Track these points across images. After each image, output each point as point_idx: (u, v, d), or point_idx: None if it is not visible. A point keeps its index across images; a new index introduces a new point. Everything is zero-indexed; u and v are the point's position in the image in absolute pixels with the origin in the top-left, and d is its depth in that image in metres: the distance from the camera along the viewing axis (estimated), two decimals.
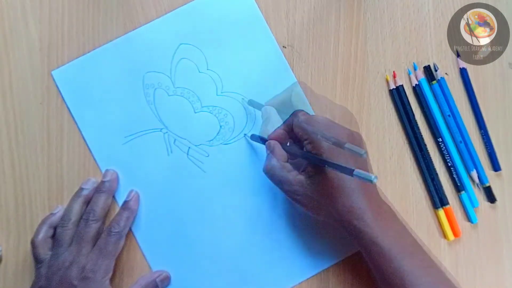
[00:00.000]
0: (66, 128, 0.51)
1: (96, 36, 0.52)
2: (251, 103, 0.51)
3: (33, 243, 0.48)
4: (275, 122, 0.47)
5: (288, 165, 0.46)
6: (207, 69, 0.52)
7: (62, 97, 0.51)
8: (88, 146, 0.51)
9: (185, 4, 0.52)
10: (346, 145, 0.39)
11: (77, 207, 0.49)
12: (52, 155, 0.51)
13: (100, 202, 0.49)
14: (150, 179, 0.51)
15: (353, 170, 0.38)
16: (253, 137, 0.50)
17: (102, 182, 0.50)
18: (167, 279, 0.50)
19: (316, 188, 0.44)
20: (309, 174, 0.44)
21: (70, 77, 0.51)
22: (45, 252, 0.48)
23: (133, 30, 0.52)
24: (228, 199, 0.51)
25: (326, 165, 0.42)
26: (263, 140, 0.48)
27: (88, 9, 0.52)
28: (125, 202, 0.50)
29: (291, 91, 0.48)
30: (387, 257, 0.42)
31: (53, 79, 0.51)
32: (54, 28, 0.52)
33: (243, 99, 0.51)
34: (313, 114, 0.48)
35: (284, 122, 0.48)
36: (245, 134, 0.51)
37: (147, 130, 0.51)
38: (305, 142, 0.44)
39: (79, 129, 0.51)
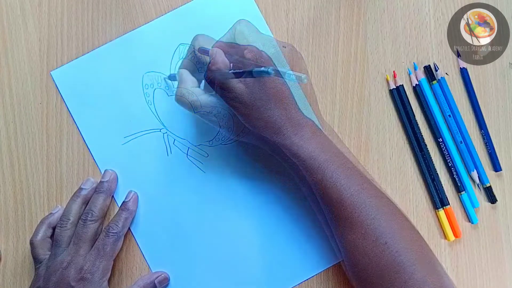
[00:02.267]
0: (65, 128, 0.51)
1: (95, 36, 0.52)
2: (171, 77, 0.50)
3: (32, 243, 0.48)
4: (190, 81, 0.46)
5: (197, 90, 0.45)
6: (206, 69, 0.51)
7: (62, 97, 0.51)
8: (87, 146, 0.51)
9: (185, 4, 0.52)
10: (287, 73, 0.38)
11: (75, 207, 0.49)
12: (51, 155, 0.51)
13: (99, 203, 0.49)
14: (149, 179, 0.51)
15: (285, 72, 0.38)
16: (170, 76, 0.50)
17: (101, 182, 0.50)
18: (165, 280, 0.50)
19: (254, 97, 0.43)
20: (248, 83, 0.43)
21: (69, 77, 0.51)
22: (44, 252, 0.48)
23: (133, 30, 0.52)
24: (227, 199, 0.51)
25: (264, 75, 0.40)
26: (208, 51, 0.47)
27: (87, 10, 0.52)
28: (124, 203, 0.50)
29: (234, 29, 0.45)
30: (310, 168, 0.43)
31: (53, 80, 0.51)
32: (53, 29, 0.52)
33: (164, 78, 0.51)
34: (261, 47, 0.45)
35: (227, 31, 0.46)
36: (164, 77, 0.51)
37: (146, 130, 0.51)
38: (245, 51, 0.43)
39: (78, 129, 0.51)
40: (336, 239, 0.45)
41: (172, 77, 0.51)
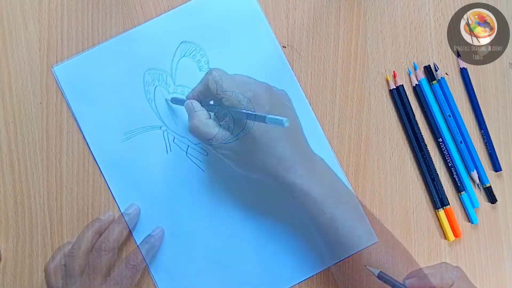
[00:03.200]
0: (65, 128, 0.51)
1: (95, 35, 0.52)
2: (174, 100, 0.50)
3: (46, 270, 0.47)
4: (202, 113, 0.46)
5: (211, 122, 0.45)
6: (208, 68, 0.52)
7: (63, 92, 0.51)
8: (87, 143, 0.51)
9: (184, 3, 0.52)
10: (267, 117, 0.38)
11: (88, 236, 0.48)
12: (51, 155, 0.51)
13: (115, 233, 0.48)
14: (148, 177, 0.51)
15: (265, 116, 0.38)
16: (173, 100, 0.50)
17: (123, 214, 0.49)
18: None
19: (241, 143, 0.43)
20: (230, 128, 0.43)
21: (71, 73, 0.51)
22: (57, 280, 0.47)
23: (135, 27, 0.52)
24: (226, 198, 0.51)
25: (244, 117, 0.41)
26: (183, 101, 0.48)
27: (87, 9, 0.52)
28: (149, 236, 0.49)
29: (207, 79, 0.45)
30: (320, 208, 0.43)
31: (54, 75, 0.51)
32: (53, 28, 0.52)
33: (166, 99, 0.51)
34: (238, 96, 0.45)
35: (200, 82, 0.46)
36: (166, 99, 0.51)
37: (146, 127, 0.51)
38: (223, 99, 0.43)
39: (78, 126, 0.51)
40: (338, 281, 0.46)
41: (174, 100, 0.50)
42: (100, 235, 0.49)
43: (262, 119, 0.39)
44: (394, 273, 0.42)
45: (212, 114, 0.47)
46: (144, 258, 0.48)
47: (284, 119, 0.37)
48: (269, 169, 0.43)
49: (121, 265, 0.47)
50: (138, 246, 0.49)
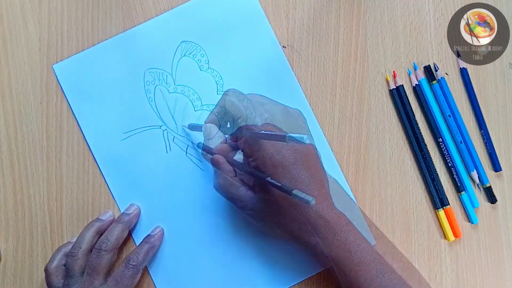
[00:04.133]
0: (65, 128, 0.51)
1: (95, 35, 0.52)
2: (192, 127, 0.50)
3: (46, 270, 0.47)
4: (217, 138, 0.46)
5: (237, 182, 0.44)
6: (208, 68, 0.52)
7: (63, 91, 0.51)
8: (86, 142, 0.51)
9: (185, 2, 0.52)
10: (294, 192, 0.37)
11: (89, 236, 0.48)
12: (51, 155, 0.51)
13: (116, 233, 0.48)
14: (147, 176, 0.51)
15: (292, 190, 0.37)
16: (191, 126, 0.50)
17: (124, 214, 0.49)
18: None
19: (265, 206, 0.44)
20: (257, 192, 0.44)
21: (71, 71, 0.51)
22: (58, 281, 0.47)
23: (136, 26, 0.52)
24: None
25: (263, 138, 0.41)
26: (200, 127, 0.48)
27: (87, 9, 0.52)
28: (148, 236, 0.49)
29: (223, 101, 0.45)
30: (344, 270, 0.41)
31: (54, 73, 0.51)
32: (53, 28, 0.52)
33: (183, 126, 0.51)
34: (254, 118, 0.44)
35: (230, 135, 0.46)
36: (182, 126, 0.51)
37: (146, 126, 0.51)
38: (250, 159, 0.43)
39: (78, 125, 0.51)
40: None
41: (192, 127, 0.50)
42: (100, 235, 0.49)
43: (282, 138, 0.38)
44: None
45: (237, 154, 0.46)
46: (144, 258, 0.48)
47: (305, 136, 0.36)
48: (293, 234, 0.44)
49: (122, 265, 0.47)
50: (137, 246, 0.49)
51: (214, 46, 0.52)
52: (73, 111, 0.51)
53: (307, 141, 0.36)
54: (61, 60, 0.52)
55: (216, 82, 0.51)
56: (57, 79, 0.51)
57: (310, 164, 0.42)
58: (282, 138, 0.38)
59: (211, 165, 0.46)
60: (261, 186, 0.43)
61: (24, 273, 0.51)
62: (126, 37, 0.52)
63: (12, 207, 0.51)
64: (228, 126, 0.46)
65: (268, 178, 0.40)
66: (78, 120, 0.51)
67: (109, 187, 0.51)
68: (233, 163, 0.45)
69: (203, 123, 0.47)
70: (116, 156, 0.51)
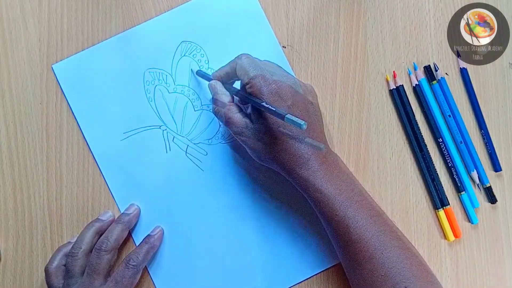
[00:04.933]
0: (65, 128, 0.51)
1: (95, 36, 0.52)
2: (199, 73, 0.51)
3: (46, 271, 0.47)
4: (223, 96, 0.46)
5: (234, 107, 0.46)
6: (208, 67, 0.52)
7: (62, 91, 0.51)
8: (86, 142, 0.51)
9: (185, 2, 0.52)
10: (287, 116, 0.38)
11: (88, 236, 0.48)
12: (51, 155, 0.51)
13: (116, 233, 0.48)
14: (147, 176, 0.51)
15: (284, 115, 0.38)
16: (198, 72, 0.50)
17: (123, 214, 0.49)
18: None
19: (259, 133, 0.44)
20: (253, 119, 0.44)
21: (71, 71, 0.51)
22: (58, 281, 0.47)
23: (135, 26, 0.52)
24: (225, 198, 0.51)
25: (263, 109, 0.42)
26: (207, 78, 0.49)
27: (87, 9, 0.52)
28: (148, 236, 0.49)
29: (235, 63, 0.46)
30: (332, 206, 0.42)
31: (54, 73, 0.51)
32: (53, 28, 0.52)
33: (191, 69, 0.51)
34: (261, 87, 0.44)
35: (228, 64, 0.47)
36: (191, 69, 0.51)
37: (146, 126, 0.51)
38: (247, 86, 0.43)
39: (78, 125, 0.51)
40: (350, 278, 0.45)
41: (200, 73, 0.51)
42: (100, 236, 0.49)
43: (281, 117, 0.39)
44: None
45: (236, 98, 0.47)
46: (144, 258, 0.48)
47: (303, 122, 0.37)
48: (284, 164, 0.44)
49: (122, 265, 0.47)
50: (137, 246, 0.49)
51: (214, 46, 0.52)
52: (73, 111, 0.51)
53: (304, 127, 0.37)
54: (61, 60, 0.52)
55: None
56: (57, 79, 0.51)
57: (308, 108, 0.44)
58: (281, 116, 0.39)
59: (210, 91, 0.47)
60: (257, 113, 0.44)
61: (24, 273, 0.51)
62: (126, 37, 0.52)
63: (12, 207, 0.51)
64: (234, 86, 0.48)
65: (264, 103, 0.41)
66: (78, 120, 0.51)
67: (109, 187, 0.51)
68: (230, 89, 0.46)
69: (211, 75, 0.49)
70: (116, 156, 0.51)
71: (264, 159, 0.45)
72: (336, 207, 0.42)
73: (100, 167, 0.51)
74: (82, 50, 0.52)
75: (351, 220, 0.42)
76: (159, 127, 0.51)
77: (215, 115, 0.47)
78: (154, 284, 0.50)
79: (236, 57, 0.46)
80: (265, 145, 0.44)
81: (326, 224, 0.44)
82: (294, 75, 0.52)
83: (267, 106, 0.41)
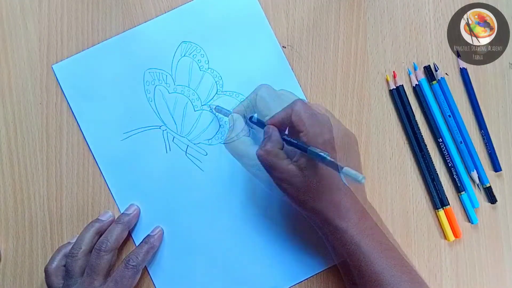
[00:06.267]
0: (65, 128, 0.51)
1: (95, 36, 0.52)
2: (218, 109, 0.50)
3: (46, 271, 0.47)
4: (240, 130, 0.46)
5: (282, 152, 0.44)
6: (208, 68, 0.52)
7: (62, 91, 0.51)
8: (86, 142, 0.51)
9: (186, 3, 0.52)
10: (344, 170, 0.37)
11: (88, 237, 0.48)
12: (51, 155, 0.51)
13: (115, 233, 0.48)
14: (147, 176, 0.51)
15: (343, 167, 0.37)
16: (218, 108, 0.50)
17: (123, 214, 0.49)
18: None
19: (305, 181, 0.43)
20: (301, 166, 0.43)
21: (71, 71, 0.51)
22: (58, 281, 0.47)
23: (136, 26, 0.52)
24: (226, 199, 0.51)
25: (319, 160, 0.41)
26: (226, 113, 0.48)
27: (87, 10, 0.52)
28: (148, 236, 0.49)
29: (255, 95, 0.46)
30: (367, 259, 0.42)
31: (54, 73, 0.51)
32: (53, 28, 0.52)
33: (210, 106, 0.51)
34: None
35: (283, 109, 0.45)
36: (209, 105, 0.51)
37: (146, 127, 0.51)
38: (301, 134, 0.43)
39: (78, 125, 0.51)
40: None
41: (218, 109, 0.50)
42: (100, 236, 0.49)
43: (336, 167, 0.38)
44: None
45: (251, 131, 0.47)
46: (144, 258, 0.47)
47: (361, 176, 0.36)
48: (325, 213, 0.43)
49: (121, 265, 0.47)
50: (137, 246, 0.49)
51: (214, 46, 0.52)
52: (73, 111, 0.51)
53: (363, 181, 0.36)
54: (61, 60, 0.52)
55: (215, 82, 0.51)
56: (57, 79, 0.51)
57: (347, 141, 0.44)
58: (335, 166, 0.38)
59: (264, 133, 0.45)
60: (309, 163, 0.42)
61: (24, 273, 0.51)
62: (126, 37, 0.52)
63: (12, 207, 0.51)
64: (253, 120, 0.46)
65: (322, 153, 0.39)
66: (78, 120, 0.51)
67: (109, 187, 0.51)
68: (283, 137, 0.44)
69: (231, 110, 0.48)
70: (116, 156, 0.51)
71: (306, 208, 0.44)
72: (372, 261, 0.42)
73: (100, 167, 0.51)
74: (82, 50, 0.52)
75: (384, 273, 0.42)
76: (159, 127, 0.51)
77: (258, 159, 0.44)
78: (154, 284, 0.50)
79: (256, 88, 0.46)
80: (309, 193, 0.43)
81: (357, 272, 0.44)
82: (294, 75, 0.52)
83: (316, 152, 0.39)
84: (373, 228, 0.44)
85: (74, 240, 0.49)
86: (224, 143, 0.46)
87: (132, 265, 0.46)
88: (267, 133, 0.44)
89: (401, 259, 0.44)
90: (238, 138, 0.45)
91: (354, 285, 0.44)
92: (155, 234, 0.49)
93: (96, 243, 0.48)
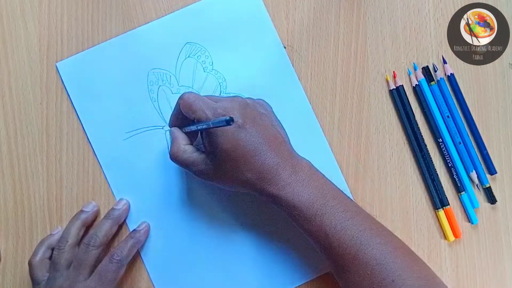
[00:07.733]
0: (65, 128, 0.51)
1: (95, 36, 0.52)
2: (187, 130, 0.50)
3: (30, 264, 0.48)
4: (181, 139, 0.46)
5: (189, 147, 0.45)
6: (212, 69, 0.51)
7: (66, 89, 0.51)
8: (88, 140, 0.51)
9: (185, 6, 0.52)
10: (212, 122, 0.38)
11: (74, 230, 0.48)
12: (51, 155, 0.51)
13: (104, 229, 0.48)
14: (148, 176, 0.51)
15: (209, 123, 0.38)
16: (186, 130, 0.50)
17: (113, 209, 0.49)
18: None
19: (219, 161, 0.43)
20: (208, 149, 0.43)
21: (75, 69, 0.51)
22: (42, 274, 0.47)
23: (140, 26, 0.52)
24: (226, 199, 0.51)
25: (215, 129, 0.41)
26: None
27: (87, 10, 0.52)
28: (134, 231, 0.49)
29: (178, 104, 0.45)
30: (307, 217, 0.42)
31: (57, 71, 0.51)
32: (53, 28, 0.52)
33: (164, 127, 0.51)
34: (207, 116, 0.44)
35: (174, 108, 0.46)
36: (163, 127, 0.51)
37: (148, 127, 0.51)
38: (194, 117, 0.43)
39: (80, 124, 0.51)
40: (339, 282, 0.44)
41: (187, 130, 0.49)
42: (86, 227, 0.49)
43: (208, 126, 0.39)
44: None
45: (198, 137, 0.47)
46: (128, 253, 0.48)
47: (227, 117, 0.36)
48: (251, 184, 0.43)
49: (106, 259, 0.47)
50: (122, 241, 0.49)
51: (219, 48, 0.52)
52: (76, 109, 0.51)
53: (231, 122, 0.36)
54: (65, 58, 0.52)
55: (219, 83, 0.51)
56: (60, 77, 0.51)
57: (262, 118, 0.44)
58: (208, 125, 0.39)
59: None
60: (213, 140, 0.42)
61: (24, 273, 0.51)
62: (131, 36, 0.52)
63: (12, 207, 0.51)
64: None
65: (209, 122, 0.40)
66: (81, 119, 0.51)
67: (110, 186, 0.51)
68: (186, 131, 0.46)
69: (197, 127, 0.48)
70: (118, 156, 0.51)
71: (232, 185, 0.44)
72: (311, 217, 0.42)
73: (102, 166, 0.51)
74: (83, 50, 0.52)
75: (328, 226, 0.42)
76: (161, 127, 0.51)
77: (172, 160, 0.46)
78: (153, 284, 0.50)
79: (179, 98, 0.45)
80: (228, 171, 0.43)
81: (306, 235, 0.44)
82: (296, 76, 0.52)
83: (196, 125, 0.40)
84: (312, 184, 0.43)
85: (56, 232, 0.49)
86: (170, 158, 0.45)
87: (117, 260, 0.46)
88: (171, 136, 0.46)
89: (350, 208, 0.43)
90: (179, 149, 0.45)
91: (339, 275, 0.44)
92: (141, 229, 0.49)
93: (82, 235, 0.48)
